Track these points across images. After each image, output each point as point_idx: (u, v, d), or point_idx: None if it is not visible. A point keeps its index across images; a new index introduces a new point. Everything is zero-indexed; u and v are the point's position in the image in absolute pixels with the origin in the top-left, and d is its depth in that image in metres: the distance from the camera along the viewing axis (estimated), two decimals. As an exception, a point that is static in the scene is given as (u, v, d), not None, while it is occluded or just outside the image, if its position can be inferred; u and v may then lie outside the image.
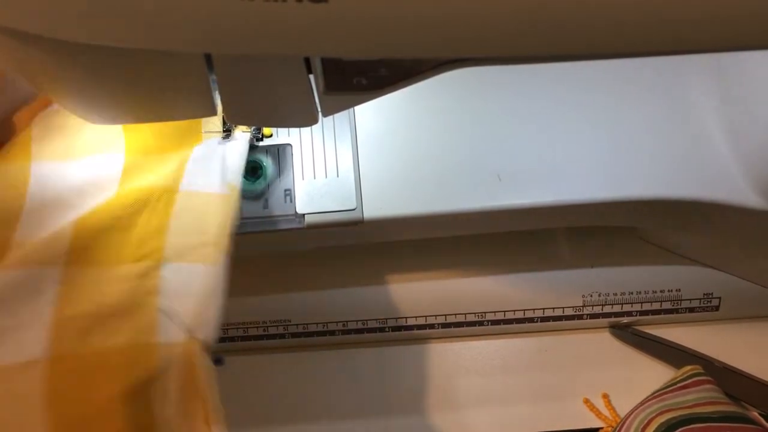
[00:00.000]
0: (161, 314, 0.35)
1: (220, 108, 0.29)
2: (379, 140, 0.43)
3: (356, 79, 0.26)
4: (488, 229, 0.45)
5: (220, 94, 0.27)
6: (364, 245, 0.46)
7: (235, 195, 0.38)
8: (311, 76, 0.27)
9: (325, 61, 0.26)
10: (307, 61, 0.26)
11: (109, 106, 0.28)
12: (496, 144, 0.43)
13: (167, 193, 0.37)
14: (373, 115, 0.43)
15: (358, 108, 0.43)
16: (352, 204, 0.40)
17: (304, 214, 0.40)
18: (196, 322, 0.34)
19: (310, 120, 0.31)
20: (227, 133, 0.41)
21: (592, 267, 0.48)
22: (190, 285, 0.35)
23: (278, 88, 0.27)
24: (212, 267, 0.36)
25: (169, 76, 0.26)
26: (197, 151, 0.39)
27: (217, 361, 0.35)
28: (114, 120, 0.31)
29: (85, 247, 0.36)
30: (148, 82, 0.26)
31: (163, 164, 0.39)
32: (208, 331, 0.34)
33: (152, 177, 0.38)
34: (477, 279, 0.48)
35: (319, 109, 0.29)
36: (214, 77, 0.27)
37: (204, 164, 0.39)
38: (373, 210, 0.41)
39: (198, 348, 0.34)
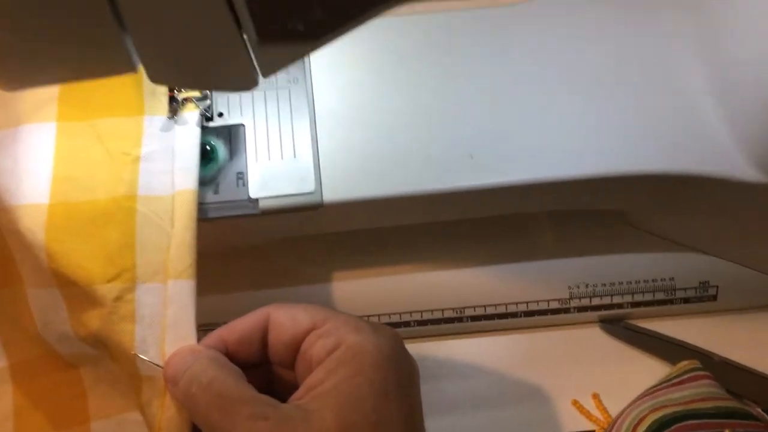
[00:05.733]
0: (139, 344, 0.34)
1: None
2: (340, 117, 0.40)
3: (291, 23, 0.24)
4: (462, 215, 0.43)
5: (135, 46, 0.25)
6: (328, 235, 0.44)
7: (194, 194, 0.36)
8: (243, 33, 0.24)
9: (250, 2, 0.23)
10: (230, 5, 0.23)
11: (14, 64, 0.25)
12: (468, 120, 0.40)
13: (127, 201, 0.35)
14: (333, 89, 0.41)
15: (316, 82, 0.41)
16: (310, 186, 0.38)
17: (257, 199, 0.37)
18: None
19: (247, 81, 0.28)
20: (173, 113, 0.38)
21: (578, 256, 0.46)
22: (166, 306, 0.34)
23: (199, 36, 0.24)
24: (186, 282, 0.34)
25: (71, 18, 0.23)
26: (146, 147, 0.37)
27: None
28: (26, 82, 0.28)
29: (59, 264, 0.35)
30: (50, 30, 0.23)
31: (106, 141, 0.37)
32: None
33: (104, 178, 0.36)
34: (454, 271, 0.46)
35: (258, 69, 0.26)
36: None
37: (157, 163, 0.37)
38: (333, 193, 0.38)
39: None
